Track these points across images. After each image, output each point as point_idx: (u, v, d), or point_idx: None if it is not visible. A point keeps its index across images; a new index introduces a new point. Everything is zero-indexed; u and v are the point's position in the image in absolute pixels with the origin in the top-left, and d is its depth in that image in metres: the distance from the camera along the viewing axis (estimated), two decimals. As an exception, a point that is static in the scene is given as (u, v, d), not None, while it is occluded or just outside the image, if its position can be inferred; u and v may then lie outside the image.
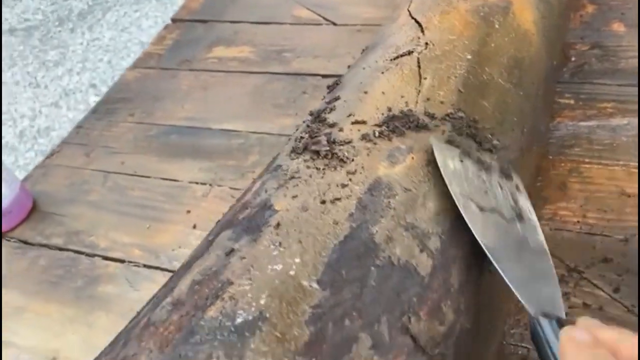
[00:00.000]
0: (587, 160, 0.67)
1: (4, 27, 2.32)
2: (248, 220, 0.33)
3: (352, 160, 0.36)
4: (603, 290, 0.55)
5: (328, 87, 0.50)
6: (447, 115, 0.40)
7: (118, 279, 0.69)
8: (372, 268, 0.29)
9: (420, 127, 0.38)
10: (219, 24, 1.08)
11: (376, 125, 0.39)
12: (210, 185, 0.78)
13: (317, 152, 0.37)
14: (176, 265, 0.68)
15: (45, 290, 0.70)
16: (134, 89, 0.98)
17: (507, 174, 0.40)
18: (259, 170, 0.78)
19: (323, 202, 0.33)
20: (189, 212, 0.74)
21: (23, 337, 0.65)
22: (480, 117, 0.41)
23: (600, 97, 0.74)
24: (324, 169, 0.36)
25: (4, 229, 0.76)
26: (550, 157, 0.70)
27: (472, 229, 0.33)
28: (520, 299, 0.31)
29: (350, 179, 0.34)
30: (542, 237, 0.38)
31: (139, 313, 0.31)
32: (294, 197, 0.34)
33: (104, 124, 0.92)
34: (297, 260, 0.29)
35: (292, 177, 0.35)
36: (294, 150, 0.38)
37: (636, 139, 0.67)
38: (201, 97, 0.93)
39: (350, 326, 0.26)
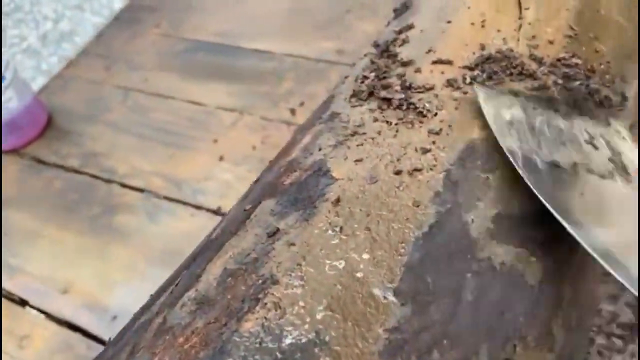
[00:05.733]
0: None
1: None
2: (297, 189, 0.25)
3: (435, 114, 0.28)
4: None
5: (395, 10, 0.40)
6: (559, 60, 0.31)
7: (136, 209, 0.63)
8: (468, 275, 0.22)
9: (525, 74, 0.29)
10: None
11: (466, 67, 0.30)
12: (240, 112, 0.70)
13: (389, 101, 0.28)
14: (200, 200, 0.62)
15: (60, 216, 0.64)
16: (162, -5, 0.88)
17: (601, 118, 0.31)
18: (293, 100, 0.70)
19: (398, 172, 0.25)
20: (215, 141, 0.67)
21: (35, 265, 0.61)
22: (595, 66, 0.32)
23: None
24: (397, 125, 0.27)
25: (16, 144, 0.70)
26: None
27: (537, 192, 0.24)
28: (617, 276, 0.23)
29: (433, 142, 0.26)
30: None
31: (152, 300, 0.25)
32: (358, 161, 0.26)
33: (127, 34, 0.83)
34: (366, 256, 0.21)
35: (355, 133, 0.27)
36: (355, 95, 0.30)
37: None
38: (234, 11, 0.83)
39: (438, 360, 0.19)
